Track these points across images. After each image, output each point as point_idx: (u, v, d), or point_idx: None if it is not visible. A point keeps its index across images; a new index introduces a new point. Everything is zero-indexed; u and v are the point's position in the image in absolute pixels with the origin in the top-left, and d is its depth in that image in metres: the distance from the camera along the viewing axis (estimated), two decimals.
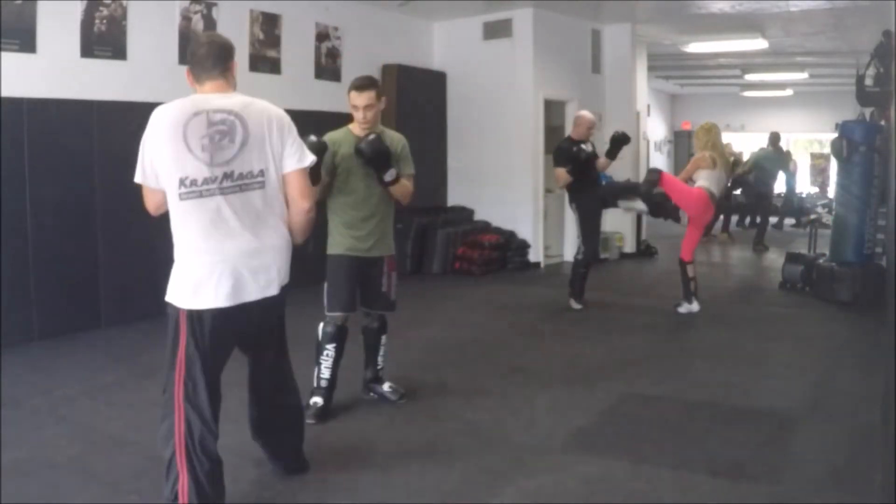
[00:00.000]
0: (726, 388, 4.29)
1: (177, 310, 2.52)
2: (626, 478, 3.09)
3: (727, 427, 3.67)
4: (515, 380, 4.44)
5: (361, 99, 3.69)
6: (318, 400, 3.77)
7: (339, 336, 3.80)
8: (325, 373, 3.80)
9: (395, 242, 4.05)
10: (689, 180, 6.10)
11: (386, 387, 4.04)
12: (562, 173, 6.21)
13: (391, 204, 3.86)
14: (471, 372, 4.55)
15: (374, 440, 3.50)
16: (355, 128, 3.78)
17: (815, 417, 3.82)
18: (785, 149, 12.74)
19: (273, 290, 2.63)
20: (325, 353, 3.79)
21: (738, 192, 11.64)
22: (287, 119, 2.71)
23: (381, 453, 3.34)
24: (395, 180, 3.69)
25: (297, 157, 2.67)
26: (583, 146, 6.18)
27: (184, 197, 2.47)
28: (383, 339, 4.00)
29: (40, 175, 5.15)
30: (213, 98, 2.57)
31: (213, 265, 2.48)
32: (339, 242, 3.79)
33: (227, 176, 2.50)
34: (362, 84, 3.73)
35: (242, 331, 2.65)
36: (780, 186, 12.08)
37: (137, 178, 2.55)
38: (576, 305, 6.44)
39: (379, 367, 4.04)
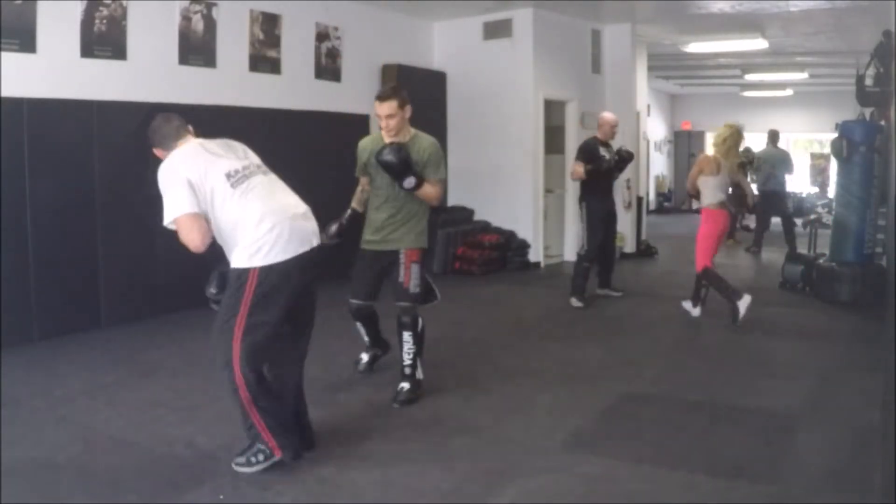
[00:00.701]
0: (726, 388, 4.29)
1: (247, 271, 2.87)
2: (626, 478, 3.09)
3: (727, 427, 3.67)
4: (515, 380, 4.44)
5: (382, 109, 3.85)
6: (363, 355, 4.49)
7: (358, 315, 4.30)
8: (364, 338, 4.44)
9: None
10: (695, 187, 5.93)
11: (399, 385, 4.04)
12: (577, 167, 6.50)
13: (421, 203, 4.02)
14: (471, 372, 4.56)
15: (374, 440, 3.50)
16: (385, 135, 3.96)
17: (815, 417, 3.82)
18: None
19: (317, 241, 3.05)
20: (357, 326, 4.39)
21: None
22: None
23: (381, 453, 3.34)
24: (417, 187, 3.85)
25: None
26: (605, 151, 6.58)
27: (235, 184, 2.89)
28: (406, 335, 4.03)
29: (40, 175, 5.15)
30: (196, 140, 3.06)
31: (281, 224, 2.89)
32: (363, 237, 4.16)
33: (252, 163, 3.03)
34: (382, 95, 3.89)
35: (301, 280, 2.99)
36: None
37: (184, 210, 2.82)
38: (576, 303, 6.46)
39: (404, 363, 4.04)
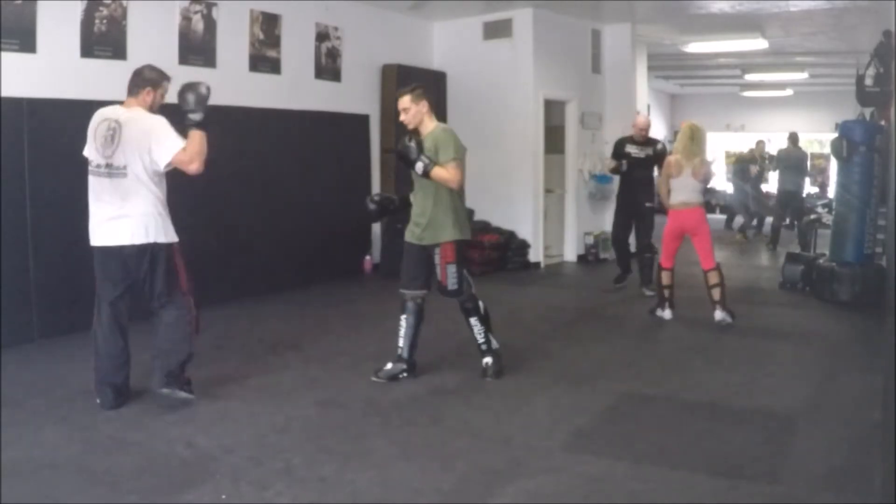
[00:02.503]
0: (726, 388, 4.29)
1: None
2: (626, 478, 3.09)
3: (727, 427, 3.67)
4: (515, 380, 4.44)
5: (399, 104, 4.27)
6: (388, 365, 4.40)
7: (407, 309, 4.37)
8: (399, 341, 4.39)
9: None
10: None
11: (483, 361, 4.42)
12: (608, 162, 7.56)
13: (450, 192, 4.24)
14: (470, 372, 4.55)
15: (374, 440, 3.50)
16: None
17: (815, 417, 3.82)
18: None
19: (137, 240, 3.71)
20: (400, 322, 4.40)
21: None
22: (158, 127, 3.71)
23: (381, 453, 3.34)
24: (427, 172, 4.14)
25: (167, 149, 3.67)
26: (633, 148, 7.06)
27: (89, 172, 3.80)
28: (472, 321, 4.38)
29: (40, 175, 5.15)
30: (119, 110, 3.81)
31: (97, 220, 3.76)
32: (407, 228, 4.43)
33: (108, 165, 3.71)
34: (399, 92, 4.37)
35: (123, 265, 3.77)
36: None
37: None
38: (647, 292, 6.98)
39: (479, 342, 4.41)
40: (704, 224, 5.83)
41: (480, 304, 4.40)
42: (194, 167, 3.68)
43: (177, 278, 3.87)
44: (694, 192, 5.76)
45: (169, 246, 3.81)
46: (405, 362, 4.41)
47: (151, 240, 3.73)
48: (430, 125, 4.32)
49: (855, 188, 6.64)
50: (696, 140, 5.76)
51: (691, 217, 5.77)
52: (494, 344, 4.44)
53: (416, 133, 4.27)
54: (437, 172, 4.16)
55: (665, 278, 6.00)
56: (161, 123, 3.73)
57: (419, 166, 4.14)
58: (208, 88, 3.77)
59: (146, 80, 3.83)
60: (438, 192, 4.23)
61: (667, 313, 5.99)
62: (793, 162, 10.58)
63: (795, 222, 10.52)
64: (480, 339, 4.40)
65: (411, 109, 4.25)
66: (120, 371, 3.87)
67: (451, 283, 4.28)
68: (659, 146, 7.22)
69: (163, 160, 3.67)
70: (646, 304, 6.53)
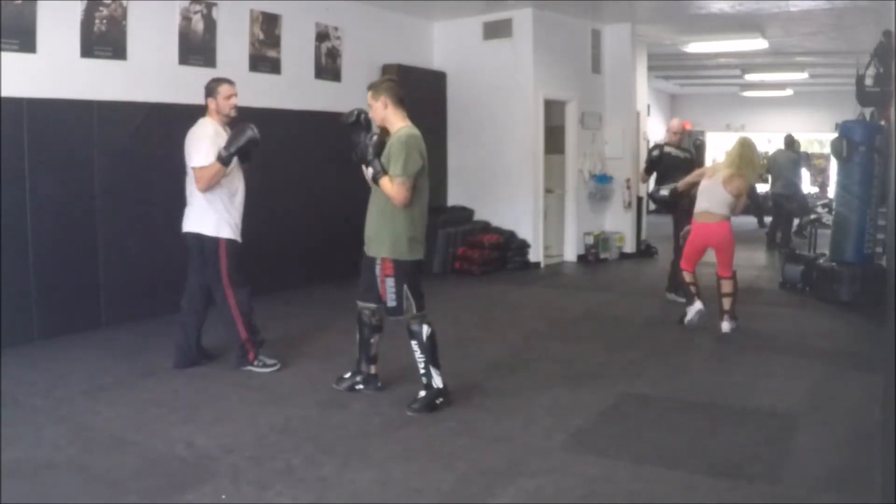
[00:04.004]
0: (726, 388, 4.29)
1: None
2: (626, 478, 3.09)
3: (727, 427, 3.67)
4: (515, 380, 4.44)
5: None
6: (346, 373, 4.21)
7: (359, 321, 4.09)
8: (355, 351, 4.16)
9: None
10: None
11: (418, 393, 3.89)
12: (642, 173, 7.41)
13: (393, 207, 3.77)
14: (471, 372, 4.55)
15: (374, 440, 3.50)
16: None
17: (815, 417, 3.82)
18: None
19: (188, 228, 4.38)
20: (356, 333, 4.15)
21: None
22: (197, 137, 4.29)
23: (381, 453, 3.34)
24: (375, 179, 3.77)
25: (193, 159, 4.26)
26: (671, 149, 6.82)
27: None
28: (412, 344, 3.87)
29: (40, 175, 5.14)
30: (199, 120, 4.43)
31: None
32: None
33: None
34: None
35: (190, 248, 4.42)
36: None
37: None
38: (669, 297, 6.73)
39: (420, 372, 3.87)
40: (728, 239, 5.56)
41: (426, 329, 3.83)
42: (197, 186, 4.28)
43: (218, 271, 4.37)
44: (720, 203, 5.45)
45: (214, 240, 4.33)
46: (359, 372, 4.15)
47: (196, 230, 4.34)
48: (396, 124, 3.81)
49: (855, 188, 6.65)
50: (743, 157, 5.47)
51: (716, 233, 5.52)
52: (436, 381, 3.84)
53: (384, 132, 3.84)
54: (384, 184, 3.71)
55: (687, 277, 5.70)
56: (201, 135, 4.28)
57: (369, 171, 3.74)
58: (253, 139, 4.25)
59: (207, 91, 4.40)
60: (388, 203, 3.77)
61: (697, 305, 5.58)
62: (782, 164, 10.67)
63: (786, 224, 10.60)
64: (420, 369, 3.86)
65: (372, 106, 3.83)
66: (197, 333, 4.61)
67: (390, 300, 3.82)
68: (697, 141, 7.24)
69: (189, 164, 4.28)
70: (645, 304, 6.55)
